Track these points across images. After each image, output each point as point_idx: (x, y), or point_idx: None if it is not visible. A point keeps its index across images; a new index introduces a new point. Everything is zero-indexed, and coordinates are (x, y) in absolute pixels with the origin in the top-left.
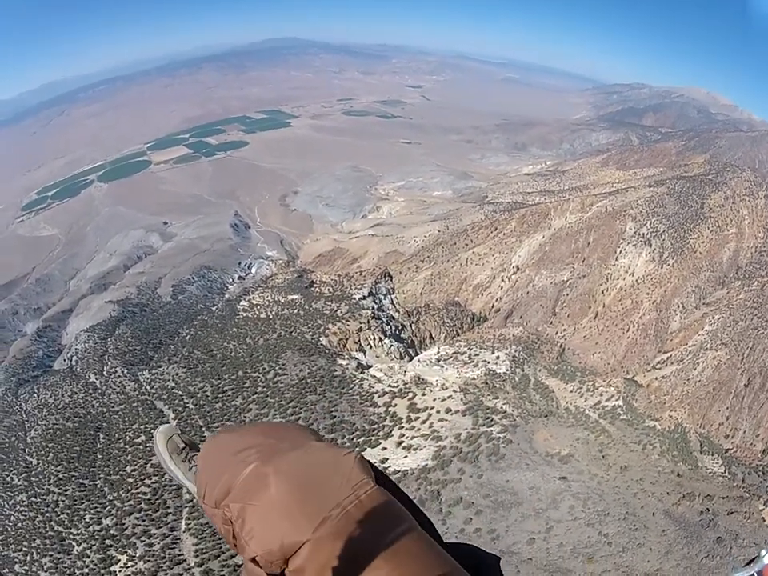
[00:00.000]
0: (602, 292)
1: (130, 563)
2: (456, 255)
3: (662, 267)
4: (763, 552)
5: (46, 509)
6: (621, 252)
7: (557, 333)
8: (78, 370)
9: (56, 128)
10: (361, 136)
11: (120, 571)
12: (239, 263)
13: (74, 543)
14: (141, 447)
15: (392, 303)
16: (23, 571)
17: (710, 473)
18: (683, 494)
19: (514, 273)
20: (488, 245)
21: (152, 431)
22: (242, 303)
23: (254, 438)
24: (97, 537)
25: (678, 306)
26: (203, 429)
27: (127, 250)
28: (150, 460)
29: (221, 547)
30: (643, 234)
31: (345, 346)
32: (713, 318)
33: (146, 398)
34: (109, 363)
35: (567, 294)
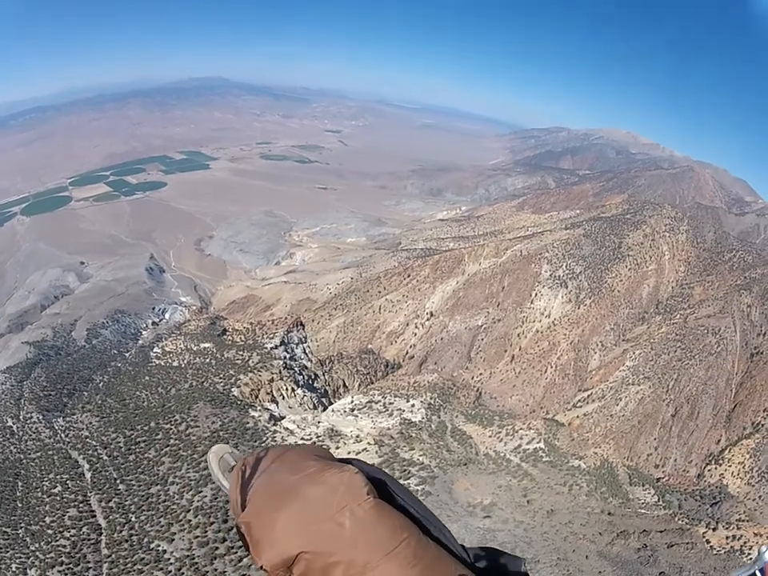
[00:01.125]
0: (518, 335)
1: None
2: (369, 302)
3: (579, 308)
4: (763, 549)
5: None
6: (536, 295)
7: (473, 377)
8: None
9: None
10: (277, 180)
11: None
12: (153, 308)
13: None
14: (57, 498)
15: (304, 352)
16: None
17: (642, 503)
18: (617, 532)
19: (428, 319)
20: (401, 291)
21: (67, 480)
22: (155, 350)
23: (269, 462)
24: None
25: (597, 345)
26: (117, 480)
27: (44, 289)
28: (68, 512)
29: None
30: (559, 276)
31: (257, 396)
32: (633, 353)
33: (60, 446)
34: (25, 408)
35: (482, 339)
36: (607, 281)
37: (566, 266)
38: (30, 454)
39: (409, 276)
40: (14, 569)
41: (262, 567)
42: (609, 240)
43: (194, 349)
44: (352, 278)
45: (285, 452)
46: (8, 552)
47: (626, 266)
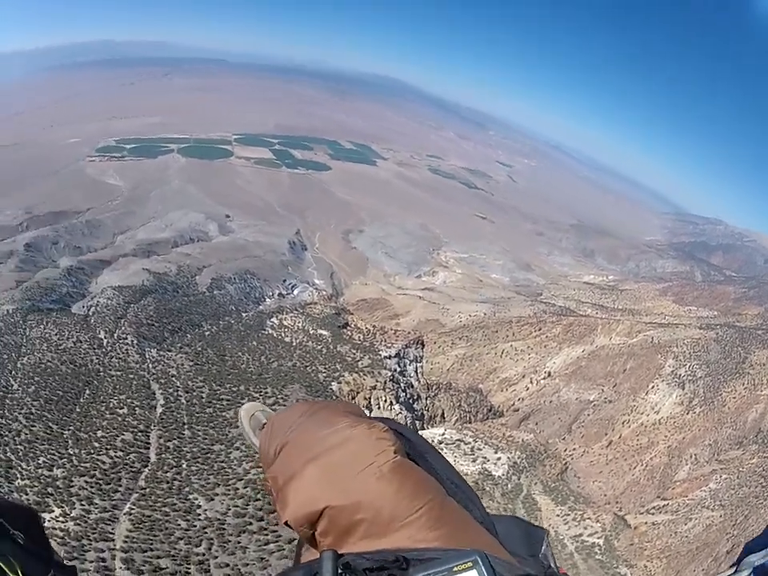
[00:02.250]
0: (623, 423)
1: (61, 518)
2: (494, 343)
3: (687, 413)
4: (752, 557)
5: (6, 433)
6: (653, 387)
7: (566, 450)
8: (92, 321)
9: (154, 87)
10: (439, 197)
11: (49, 521)
12: (284, 281)
13: (18, 475)
14: (119, 419)
15: (416, 371)
16: None
17: None
18: None
19: (544, 378)
20: (528, 342)
21: (136, 407)
22: (272, 320)
23: (297, 416)
24: (42, 480)
25: (691, 457)
26: (185, 425)
27: (182, 228)
28: (123, 435)
29: (151, 543)
30: (680, 374)
31: (354, 398)
32: (720, 476)
33: (144, 374)
34: (123, 327)
35: (588, 415)
36: (722, 394)
37: (689, 367)
38: (109, 369)
39: (540, 330)
40: (40, 461)
41: (286, 522)
42: (735, 352)
43: (310, 332)
44: (485, 314)
45: (316, 407)
46: (43, 445)
47: (743, 384)
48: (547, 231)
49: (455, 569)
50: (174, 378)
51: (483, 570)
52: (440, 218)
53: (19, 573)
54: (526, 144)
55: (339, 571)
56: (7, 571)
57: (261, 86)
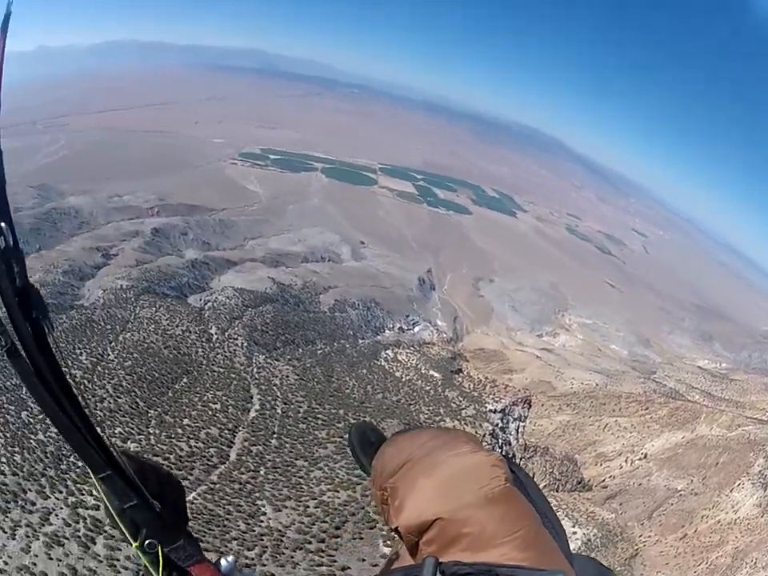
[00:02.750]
0: (702, 517)
1: None
2: (599, 416)
3: (762, 516)
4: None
5: (89, 397)
6: (738, 485)
7: (641, 536)
8: (206, 315)
9: (304, 104)
10: (573, 258)
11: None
12: (407, 316)
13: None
14: (209, 412)
15: (517, 430)
16: None
17: None
18: None
19: (640, 459)
20: (632, 421)
21: (230, 406)
22: (387, 352)
23: (426, 438)
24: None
25: (752, 561)
26: (274, 434)
27: (315, 246)
28: (209, 429)
29: (203, 535)
30: (766, 475)
31: None
32: None
33: (246, 376)
34: (236, 328)
35: (672, 504)
36: None
37: None
38: (212, 364)
39: (646, 409)
40: (116, 431)
41: (396, 529)
42: None
43: (422, 371)
44: (597, 385)
45: (442, 432)
46: (124, 417)
47: None
48: (671, 308)
49: None
50: (275, 388)
51: None
52: (570, 279)
53: (142, 540)
54: (662, 214)
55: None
56: (128, 536)
57: (411, 120)
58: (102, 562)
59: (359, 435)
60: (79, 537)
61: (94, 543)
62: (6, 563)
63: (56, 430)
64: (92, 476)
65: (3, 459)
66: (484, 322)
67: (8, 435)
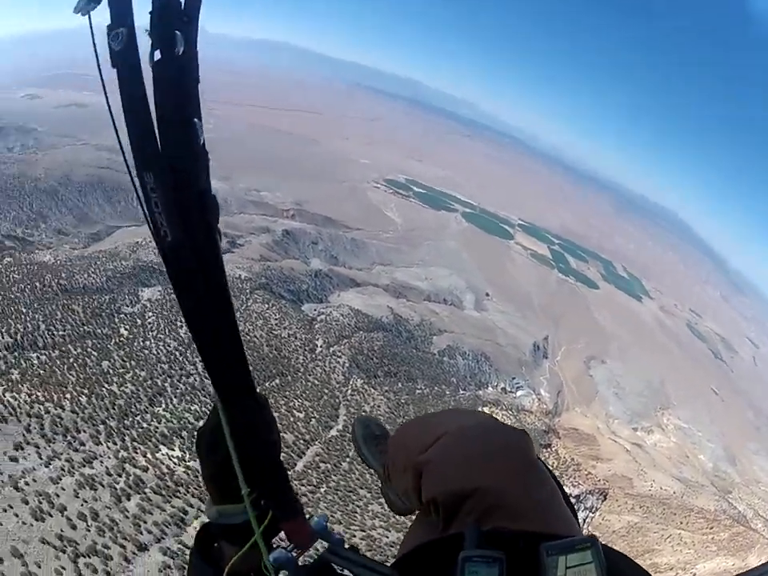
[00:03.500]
0: None
1: (174, 459)
2: (666, 524)
3: None
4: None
5: (176, 370)
6: None
7: None
8: (316, 327)
9: (455, 143)
10: (686, 357)
11: (163, 455)
12: (513, 378)
13: (161, 404)
14: (291, 419)
15: (584, 520)
16: None
17: None
18: None
19: None
20: (694, 537)
21: (313, 418)
22: (484, 408)
23: (448, 416)
24: (181, 422)
25: None
26: (346, 458)
27: (440, 287)
28: (285, 434)
29: None
30: None
31: None
32: None
33: (338, 396)
34: (342, 347)
35: None
36: None
37: None
38: (309, 375)
39: (711, 528)
40: (192, 408)
41: (431, 501)
42: None
43: None
44: (674, 492)
45: (464, 410)
46: (205, 398)
47: None
48: (765, 429)
49: (577, 547)
50: (363, 411)
51: (599, 550)
52: (679, 378)
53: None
54: None
55: (482, 539)
56: (242, 481)
57: (557, 181)
58: (127, 518)
59: (363, 428)
60: (115, 489)
61: (128, 500)
62: (27, 484)
63: (196, 345)
64: (220, 402)
65: (68, 396)
66: (586, 402)
67: (81, 377)
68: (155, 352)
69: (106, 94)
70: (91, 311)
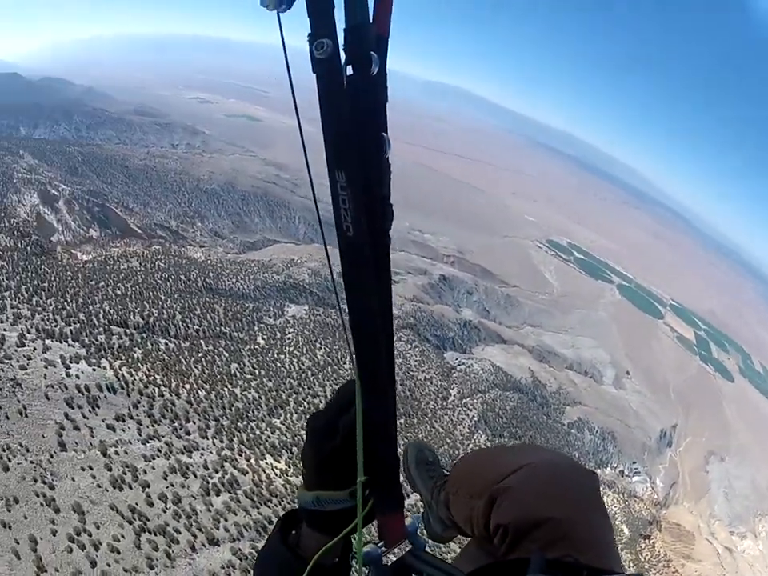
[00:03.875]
0: None
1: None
2: None
3: None
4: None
5: (306, 389)
6: None
7: None
8: (453, 376)
9: (620, 212)
10: None
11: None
12: (633, 462)
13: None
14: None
15: None
16: None
17: None
18: None
19: None
20: None
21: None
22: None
23: (526, 449)
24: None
25: None
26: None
27: (583, 357)
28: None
29: None
30: None
31: None
32: None
33: (459, 447)
34: (473, 401)
35: None
36: None
37: None
38: (435, 421)
39: None
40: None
41: (501, 526)
42: None
43: (615, 522)
44: None
45: (540, 446)
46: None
47: None
48: None
49: None
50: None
51: None
52: None
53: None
54: None
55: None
56: (360, 467)
57: (717, 265)
58: (209, 511)
59: (417, 451)
60: (207, 482)
61: (217, 495)
62: (116, 453)
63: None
64: (363, 391)
65: (187, 386)
66: (695, 498)
67: (206, 372)
68: (287, 367)
69: (293, 91)
70: (232, 314)
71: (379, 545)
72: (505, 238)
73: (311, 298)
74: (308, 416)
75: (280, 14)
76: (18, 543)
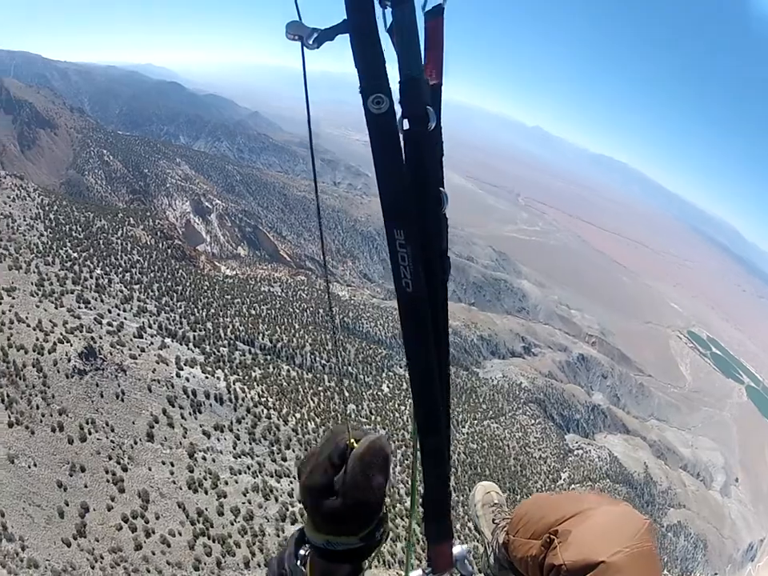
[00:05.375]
0: None
1: None
2: None
3: None
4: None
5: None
6: None
7: None
8: (569, 459)
9: (752, 302)
10: None
11: None
12: (715, 574)
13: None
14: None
15: None
16: None
17: None
18: None
19: None
20: None
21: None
22: None
23: (586, 497)
24: None
25: None
26: None
27: (699, 458)
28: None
29: None
30: None
31: None
32: None
33: None
34: (581, 489)
35: None
36: None
37: None
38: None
39: None
40: None
41: (556, 567)
42: None
43: None
44: None
45: (597, 495)
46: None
47: None
48: None
49: None
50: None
51: None
52: None
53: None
54: None
55: None
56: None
57: None
58: (277, 536)
59: (484, 492)
60: (285, 509)
61: (291, 524)
62: (204, 458)
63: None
64: (419, 432)
65: (297, 415)
66: None
67: (320, 407)
68: (404, 419)
69: (310, 120)
70: (363, 357)
71: (427, 571)
72: (647, 323)
73: (458, 362)
74: (299, 461)
75: (307, 43)
76: (67, 505)
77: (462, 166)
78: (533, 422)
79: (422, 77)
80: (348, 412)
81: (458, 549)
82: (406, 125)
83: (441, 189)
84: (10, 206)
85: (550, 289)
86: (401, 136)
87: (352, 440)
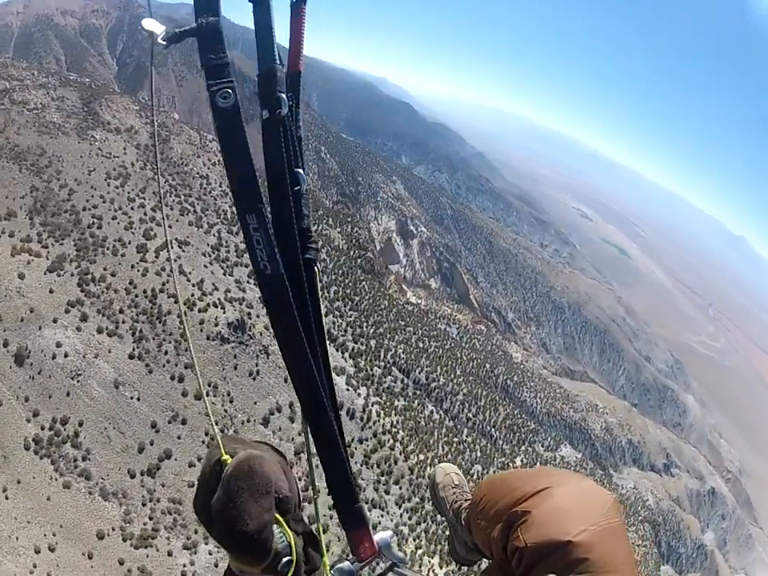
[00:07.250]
0: None
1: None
2: None
3: None
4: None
5: None
6: None
7: None
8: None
9: None
10: None
11: None
12: None
13: None
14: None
15: None
16: None
17: None
18: None
19: None
20: None
21: None
22: None
23: (548, 472)
24: None
25: None
26: None
27: None
28: None
29: None
30: None
31: None
32: None
33: None
34: None
35: None
36: None
37: None
38: None
39: None
40: None
41: (519, 549)
42: None
43: None
44: None
45: (559, 470)
46: None
47: None
48: None
49: None
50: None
51: None
52: None
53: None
54: None
55: None
56: (313, 478)
57: None
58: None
59: (443, 475)
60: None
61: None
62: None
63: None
64: (304, 419)
65: (420, 456)
66: None
67: (447, 457)
68: None
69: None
70: (509, 423)
71: (352, 560)
72: (737, 403)
73: (590, 449)
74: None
75: (157, 41)
76: (151, 444)
77: (664, 258)
78: (639, 542)
79: (274, 67)
80: (472, 472)
81: (380, 535)
82: (266, 114)
83: (297, 170)
84: (209, 168)
85: (711, 411)
86: (246, 126)
87: (226, 456)
